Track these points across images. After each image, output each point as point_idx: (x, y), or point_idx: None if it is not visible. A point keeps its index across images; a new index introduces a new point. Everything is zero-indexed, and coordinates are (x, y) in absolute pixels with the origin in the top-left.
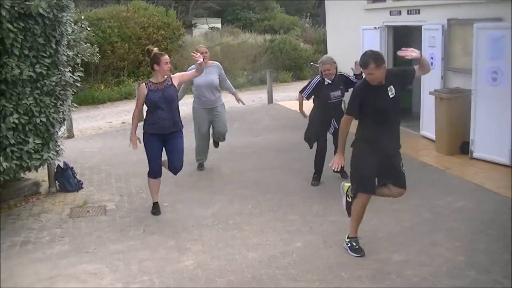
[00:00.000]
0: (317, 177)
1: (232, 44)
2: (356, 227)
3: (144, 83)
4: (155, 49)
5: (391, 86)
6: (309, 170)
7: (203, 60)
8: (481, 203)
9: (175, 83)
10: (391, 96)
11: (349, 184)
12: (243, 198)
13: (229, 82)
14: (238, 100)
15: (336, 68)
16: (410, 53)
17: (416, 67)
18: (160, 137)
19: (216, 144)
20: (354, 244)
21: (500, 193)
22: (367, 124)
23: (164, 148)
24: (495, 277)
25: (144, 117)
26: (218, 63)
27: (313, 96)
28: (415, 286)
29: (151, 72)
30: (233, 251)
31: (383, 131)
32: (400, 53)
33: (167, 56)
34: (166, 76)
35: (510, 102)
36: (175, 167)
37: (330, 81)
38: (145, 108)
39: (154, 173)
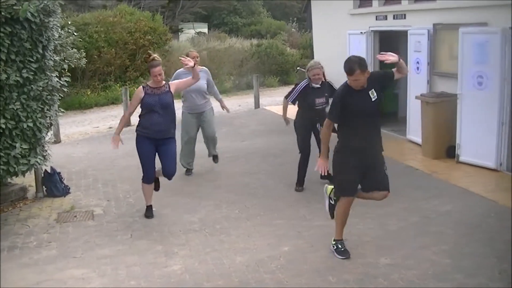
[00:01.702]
0: (300, 183)
1: (218, 49)
2: (340, 230)
3: (141, 86)
4: (154, 56)
5: (372, 90)
6: (296, 174)
7: (194, 65)
8: (467, 207)
9: (172, 90)
10: (373, 100)
11: (332, 186)
12: (230, 202)
13: (216, 88)
14: (223, 107)
15: (324, 74)
16: (388, 57)
17: (394, 70)
18: (153, 142)
19: (215, 159)
20: (340, 246)
21: (487, 197)
22: (349, 129)
23: (157, 153)
24: (481, 280)
25: (138, 120)
26: (206, 69)
27: (297, 102)
28: None
29: (137, 77)
30: (220, 256)
31: (365, 134)
32: (379, 57)
33: (158, 68)
34: (164, 82)
35: (495, 106)
36: (169, 172)
37: (319, 85)
38: (137, 110)
39: (147, 178)
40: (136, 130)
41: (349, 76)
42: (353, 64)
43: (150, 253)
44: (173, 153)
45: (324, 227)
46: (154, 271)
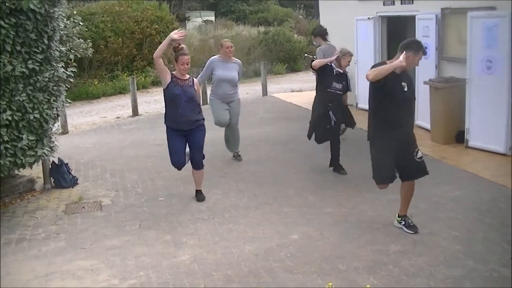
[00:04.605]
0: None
1: (226, 36)
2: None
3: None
4: (181, 46)
5: (405, 83)
6: (305, 162)
7: (229, 54)
8: (477, 192)
9: (196, 87)
10: (405, 89)
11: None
12: (239, 191)
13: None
14: None
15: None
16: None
17: None
18: (181, 132)
19: (238, 157)
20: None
21: (497, 181)
22: (383, 114)
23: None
24: (493, 266)
25: (164, 111)
26: (240, 62)
27: (316, 83)
28: (412, 276)
29: (145, 66)
30: (229, 245)
31: (403, 120)
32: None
33: (186, 57)
34: (188, 76)
35: (504, 90)
36: (194, 161)
37: (341, 71)
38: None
39: (175, 166)
40: (165, 122)
41: (416, 55)
42: (422, 46)
43: (158, 243)
44: (198, 142)
45: (333, 214)
46: (163, 261)
